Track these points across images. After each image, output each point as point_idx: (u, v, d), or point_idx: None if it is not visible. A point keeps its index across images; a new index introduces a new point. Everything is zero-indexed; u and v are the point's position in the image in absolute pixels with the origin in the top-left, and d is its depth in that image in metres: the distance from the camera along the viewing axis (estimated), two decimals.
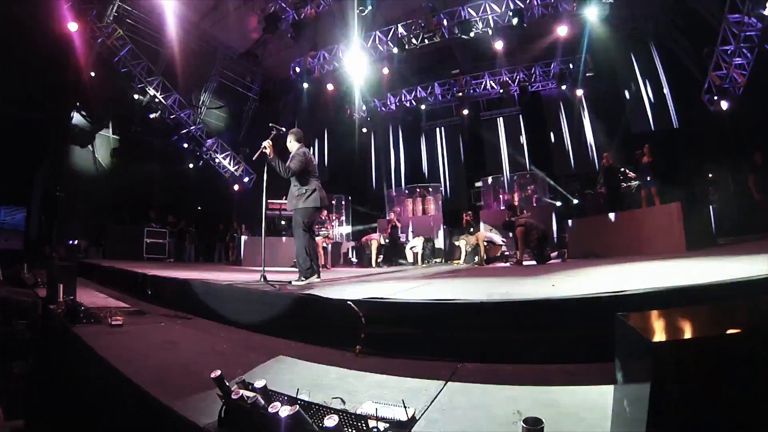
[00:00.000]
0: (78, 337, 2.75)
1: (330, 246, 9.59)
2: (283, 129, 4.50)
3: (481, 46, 12.56)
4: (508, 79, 13.68)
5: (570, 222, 8.37)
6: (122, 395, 1.94)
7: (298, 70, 13.42)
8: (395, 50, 11.82)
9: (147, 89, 11.79)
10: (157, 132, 13.17)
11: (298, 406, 1.24)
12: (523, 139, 14.40)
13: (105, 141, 12.57)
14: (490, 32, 11.38)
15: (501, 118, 14.84)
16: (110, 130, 12.66)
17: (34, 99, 10.33)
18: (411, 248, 10.67)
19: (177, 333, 3.02)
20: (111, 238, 10.80)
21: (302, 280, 4.12)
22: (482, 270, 6.76)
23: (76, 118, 11.76)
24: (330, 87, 13.84)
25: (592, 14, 9.99)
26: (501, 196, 12.73)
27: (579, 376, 1.76)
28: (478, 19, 11.07)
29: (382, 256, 10.05)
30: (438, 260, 10.95)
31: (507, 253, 8.57)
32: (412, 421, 1.37)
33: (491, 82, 14.02)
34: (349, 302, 2.47)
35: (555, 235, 9.99)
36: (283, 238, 9.69)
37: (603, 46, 11.99)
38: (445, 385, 1.75)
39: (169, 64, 12.50)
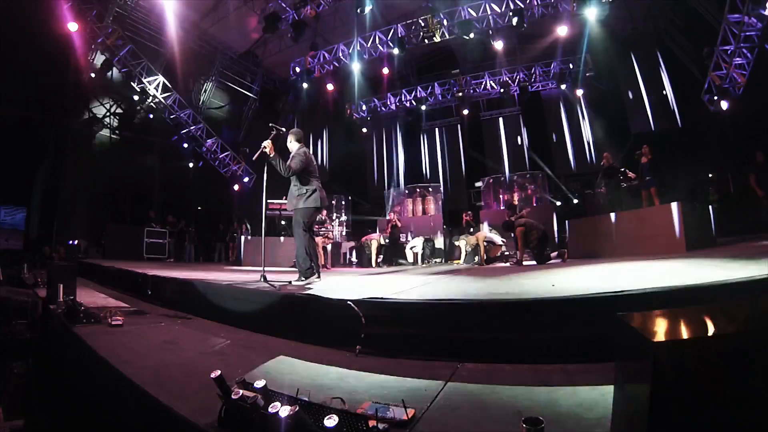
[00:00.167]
0: (78, 337, 2.75)
1: (330, 246, 9.58)
2: (283, 129, 4.50)
3: (481, 46, 12.56)
4: (508, 79, 13.69)
5: (569, 222, 8.37)
6: (122, 395, 1.94)
7: (298, 70, 13.43)
8: (395, 50, 11.83)
9: (147, 89, 11.78)
10: (157, 132, 13.16)
11: (298, 406, 1.24)
12: (523, 139, 14.40)
13: (105, 141, 12.56)
14: (490, 32, 11.38)
15: (501, 118, 14.84)
16: (110, 130, 12.65)
17: (34, 99, 10.33)
18: (411, 248, 10.66)
19: (177, 333, 3.02)
20: (111, 238, 10.79)
21: (302, 280, 4.12)
22: (482, 270, 6.75)
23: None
24: (330, 87, 13.85)
25: (592, 14, 9.99)
26: (501, 196, 12.73)
27: (579, 376, 1.76)
28: (478, 19, 11.07)
29: (382, 256, 10.05)
30: (438, 260, 10.95)
31: (507, 253, 8.56)
32: (412, 421, 1.37)
33: (491, 82, 14.03)
34: (349, 302, 2.48)
35: (555, 235, 9.98)
36: (281, 238, 9.69)
37: (603, 45, 12.00)
38: (445, 385, 1.75)
39: (169, 64, 12.50)
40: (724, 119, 9.53)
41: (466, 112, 14.87)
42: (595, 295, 2.25)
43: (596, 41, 11.69)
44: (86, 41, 10.38)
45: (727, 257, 3.78)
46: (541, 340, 2.05)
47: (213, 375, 1.43)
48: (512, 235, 7.39)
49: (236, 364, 2.12)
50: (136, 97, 11.93)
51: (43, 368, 3.82)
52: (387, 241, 10.23)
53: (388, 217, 11.78)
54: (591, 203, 10.13)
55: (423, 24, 11.62)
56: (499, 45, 11.91)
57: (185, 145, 13.22)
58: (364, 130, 16.12)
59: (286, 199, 4.55)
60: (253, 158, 4.47)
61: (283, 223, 11.43)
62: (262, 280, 3.95)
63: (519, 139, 14.45)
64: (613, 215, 6.97)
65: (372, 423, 1.26)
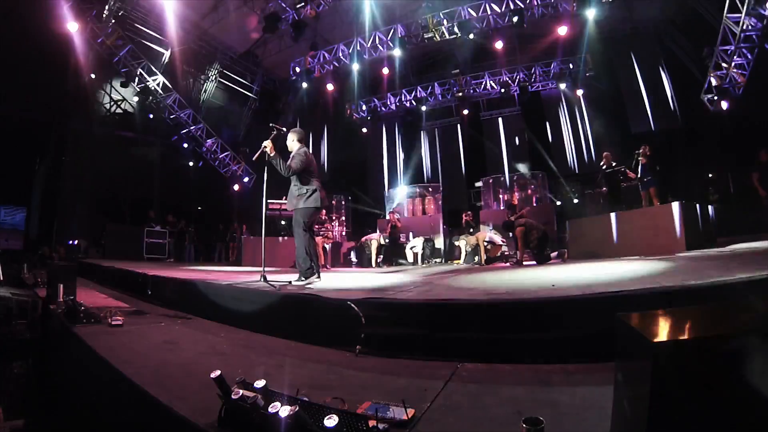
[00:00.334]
0: (78, 337, 2.75)
1: (330, 246, 9.58)
2: (284, 129, 4.50)
3: (481, 46, 12.56)
4: (508, 79, 13.68)
5: (569, 222, 8.37)
6: (122, 395, 1.94)
7: (298, 70, 13.42)
8: (395, 50, 11.82)
9: (147, 89, 11.78)
10: (157, 132, 13.17)
11: (298, 406, 1.24)
12: (523, 139, 14.39)
13: (105, 141, 12.56)
14: (490, 32, 11.38)
15: (501, 118, 14.84)
16: (110, 128, 12.65)
17: (35, 99, 10.33)
18: (411, 248, 10.65)
19: (177, 333, 3.02)
20: (111, 238, 10.80)
21: (302, 280, 4.12)
22: (482, 270, 6.75)
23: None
24: (330, 87, 13.84)
25: (592, 14, 10.00)
26: (501, 196, 12.72)
27: (579, 376, 1.76)
28: (478, 19, 11.07)
29: (382, 256, 10.04)
30: (438, 260, 10.94)
31: (507, 253, 8.56)
32: (412, 421, 1.37)
33: (491, 82, 14.02)
34: (349, 302, 2.48)
35: (555, 235, 9.98)
36: (280, 239, 9.69)
37: (603, 45, 12.00)
38: (445, 385, 1.75)
39: (169, 64, 12.50)
40: (724, 119, 9.53)
41: (466, 112, 14.87)
42: (595, 295, 2.25)
43: (596, 41, 11.69)
44: (86, 41, 10.38)
45: (727, 257, 3.78)
46: (541, 340, 2.05)
47: (213, 375, 1.43)
48: (512, 235, 7.38)
49: (236, 364, 2.12)
50: (136, 98, 11.93)
51: (43, 368, 3.82)
52: (387, 241, 10.23)
53: (388, 218, 11.77)
54: (591, 203, 10.13)
55: (423, 24, 11.62)
56: (499, 45, 11.90)
57: (185, 145, 13.22)
58: (364, 130, 16.12)
59: (286, 199, 4.55)
60: (253, 158, 4.47)
61: (283, 223, 11.43)
62: (262, 280, 3.95)
63: (519, 139, 14.45)
64: (613, 215, 6.97)
65: (372, 423, 1.26)
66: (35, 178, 11.38)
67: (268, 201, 4.74)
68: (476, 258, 8.48)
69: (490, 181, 13.27)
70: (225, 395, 1.39)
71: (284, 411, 1.20)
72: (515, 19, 10.30)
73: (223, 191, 14.22)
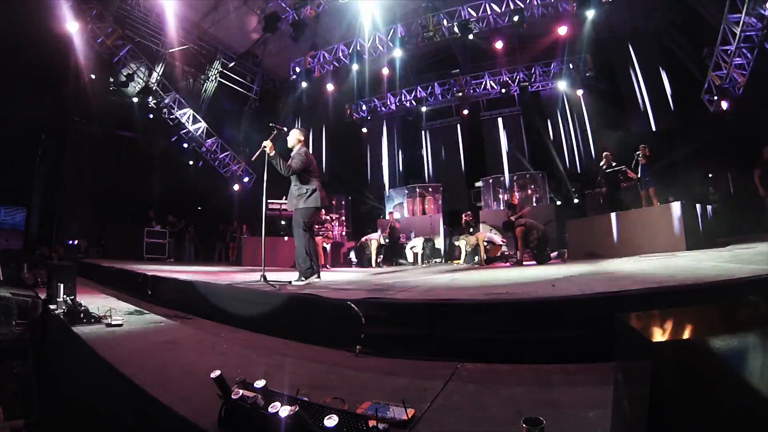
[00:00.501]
0: (78, 337, 2.75)
1: (330, 246, 9.58)
2: (285, 128, 4.50)
3: (481, 46, 12.56)
4: (508, 79, 13.68)
5: (569, 222, 8.37)
6: (122, 395, 1.94)
7: (298, 70, 13.42)
8: (395, 50, 11.82)
9: (147, 89, 11.78)
10: (157, 132, 13.17)
11: (298, 406, 1.24)
12: (523, 139, 14.39)
13: (105, 141, 12.57)
14: (490, 32, 11.38)
15: (501, 118, 14.84)
16: (110, 128, 12.66)
17: (35, 99, 10.33)
18: (411, 248, 10.66)
19: (177, 333, 3.02)
20: (111, 238, 10.80)
21: (302, 280, 4.12)
22: (482, 270, 6.75)
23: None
24: (330, 87, 13.84)
25: (592, 14, 10.00)
26: (501, 196, 12.73)
27: (579, 376, 1.76)
28: (478, 19, 11.07)
29: (382, 256, 10.05)
30: (438, 260, 10.94)
31: (507, 253, 8.56)
32: (412, 420, 1.37)
33: (491, 82, 14.03)
34: (349, 302, 2.48)
35: (555, 235, 9.98)
36: (281, 239, 9.69)
37: (603, 46, 12.00)
38: (445, 385, 1.75)
39: (169, 64, 12.50)
40: (724, 119, 9.53)
41: (466, 112, 14.87)
42: (595, 295, 2.25)
43: (596, 41, 11.68)
44: (86, 41, 10.38)
45: (727, 257, 3.78)
46: (541, 340, 2.05)
47: (213, 375, 1.43)
48: (512, 235, 7.39)
49: (236, 364, 2.12)
50: (135, 99, 11.93)
51: (43, 368, 3.82)
52: (387, 241, 10.23)
53: (388, 218, 11.78)
54: (591, 203, 10.13)
55: (423, 24, 11.62)
56: (499, 45, 11.90)
57: (185, 145, 13.23)
58: (364, 130, 16.12)
59: (286, 199, 4.55)
60: (252, 159, 4.48)
61: (283, 222, 11.44)
62: (262, 280, 3.95)
63: (519, 139, 14.45)
64: (613, 215, 6.97)
65: (372, 423, 1.26)
66: (35, 178, 11.38)
67: (268, 201, 4.75)
68: (476, 258, 8.48)
69: (490, 181, 13.27)
70: (225, 395, 1.39)
71: (284, 411, 1.20)
72: (516, 18, 10.30)
73: (223, 191, 14.22)
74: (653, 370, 0.84)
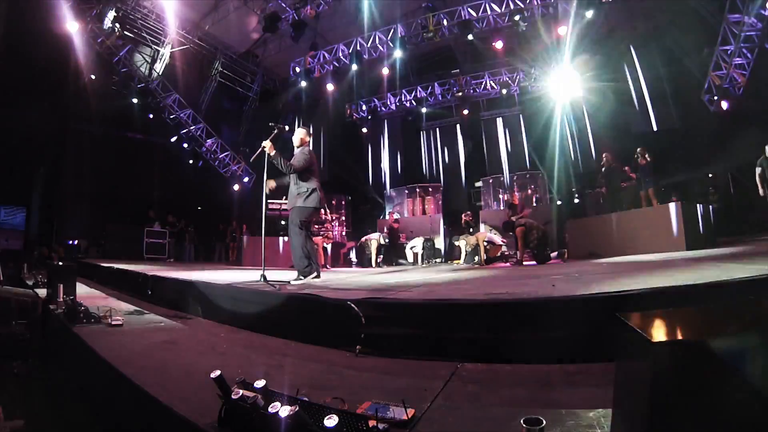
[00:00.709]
0: (78, 337, 2.75)
1: (330, 246, 9.58)
2: (286, 127, 4.51)
3: (481, 46, 12.55)
4: (508, 79, 13.68)
5: (569, 222, 8.38)
6: (122, 395, 1.94)
7: (298, 70, 13.42)
8: (395, 50, 11.82)
9: (147, 89, 11.78)
10: (157, 132, 13.17)
11: (298, 406, 1.24)
12: (523, 139, 14.39)
13: (105, 141, 12.56)
14: (490, 32, 11.38)
15: (501, 118, 14.84)
16: (110, 128, 12.65)
17: (35, 99, 10.33)
18: (411, 248, 10.66)
19: (177, 333, 3.02)
20: (111, 238, 10.80)
21: (300, 279, 4.11)
22: (482, 270, 6.75)
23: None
24: (330, 87, 13.84)
25: (591, 14, 10.00)
26: (501, 196, 12.72)
27: (579, 376, 1.76)
28: (478, 19, 11.07)
29: (382, 256, 10.05)
30: (438, 260, 10.94)
31: (507, 253, 8.56)
32: (412, 420, 1.37)
33: (491, 82, 14.02)
34: (349, 302, 2.48)
35: (555, 235, 9.99)
36: (280, 239, 9.69)
37: (603, 46, 11.99)
38: (445, 385, 1.75)
39: (169, 64, 12.50)
40: (724, 119, 9.53)
41: (466, 112, 14.87)
42: (595, 295, 2.25)
43: (596, 41, 11.67)
44: (86, 41, 10.38)
45: (727, 257, 3.79)
46: (541, 340, 2.05)
47: (213, 375, 1.43)
48: (512, 234, 7.39)
49: (236, 364, 2.12)
50: (135, 99, 11.93)
51: (43, 368, 3.82)
52: (387, 241, 10.23)
53: (387, 218, 11.78)
54: (591, 203, 10.13)
55: (423, 24, 11.62)
56: (499, 45, 11.90)
57: (185, 145, 13.22)
58: (364, 130, 16.12)
59: (286, 198, 4.55)
60: (252, 159, 4.48)
61: (283, 223, 11.45)
62: (262, 280, 3.95)
63: (519, 138, 14.44)
64: (613, 215, 6.97)
65: (372, 423, 1.26)
66: (35, 178, 11.38)
67: (268, 201, 4.75)
68: (476, 258, 8.48)
69: (490, 181, 13.27)
70: (225, 395, 1.39)
71: (284, 411, 1.20)
72: (516, 17, 10.30)
73: (223, 191, 14.22)
74: (653, 370, 0.84)
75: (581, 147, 13.35)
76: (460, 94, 14.17)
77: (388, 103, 15.40)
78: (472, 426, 1.38)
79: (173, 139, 13.14)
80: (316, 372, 2.05)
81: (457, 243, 9.42)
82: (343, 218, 13.40)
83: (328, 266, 8.79)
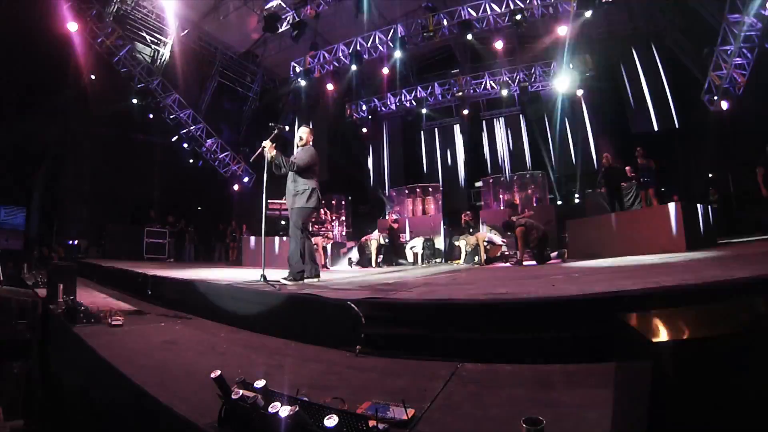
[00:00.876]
0: (78, 337, 2.75)
1: (330, 246, 9.58)
2: (287, 127, 4.51)
3: (481, 46, 12.56)
4: (508, 79, 13.68)
5: (569, 222, 8.38)
6: (122, 395, 1.94)
7: (298, 70, 13.42)
8: (395, 50, 11.82)
9: (147, 89, 11.78)
10: (157, 132, 13.17)
11: (298, 406, 1.24)
12: (523, 138, 14.40)
13: (105, 141, 12.56)
14: (490, 32, 11.38)
15: (501, 118, 14.84)
16: (110, 128, 12.65)
17: (34, 99, 10.34)
18: (411, 248, 10.66)
19: (177, 333, 3.02)
20: (111, 238, 10.80)
21: (289, 279, 4.09)
22: (482, 270, 6.76)
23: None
24: (330, 87, 13.85)
25: (591, 14, 10.00)
26: (501, 196, 12.73)
27: (579, 376, 1.76)
28: (478, 19, 11.07)
29: (382, 256, 10.05)
30: (438, 260, 10.95)
31: (507, 253, 8.57)
32: (412, 420, 1.37)
33: (491, 82, 14.02)
34: (349, 302, 2.47)
35: (555, 235, 9.99)
36: (280, 239, 9.68)
37: (603, 45, 11.99)
38: (445, 385, 1.75)
39: (169, 64, 12.50)
40: (724, 119, 9.54)
41: (466, 112, 14.87)
42: (595, 295, 2.25)
43: (596, 41, 11.68)
44: (86, 41, 10.38)
45: (727, 257, 3.78)
46: (541, 340, 2.05)
47: (213, 375, 1.43)
48: (512, 234, 7.39)
49: (236, 364, 2.12)
50: (135, 100, 11.92)
51: (43, 368, 3.82)
52: (387, 241, 10.24)
53: (387, 218, 11.79)
54: (591, 203, 10.14)
55: (423, 24, 11.62)
56: (499, 45, 11.90)
57: (185, 145, 13.22)
58: (364, 130, 16.13)
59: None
60: (252, 159, 4.47)
61: (283, 223, 11.44)
62: (262, 280, 3.95)
63: (519, 138, 14.45)
64: (613, 215, 6.97)
65: (372, 423, 1.26)
66: (35, 178, 11.38)
67: (268, 201, 4.74)
68: (476, 258, 8.48)
69: (490, 181, 13.27)
70: (225, 395, 1.40)
71: (284, 411, 1.20)
72: (518, 17, 10.30)
73: (223, 191, 14.22)
74: (653, 370, 0.84)
75: (581, 147, 13.35)
76: (460, 94, 14.16)
77: (388, 103, 15.40)
78: (472, 426, 1.38)
79: (173, 139, 13.14)
80: (316, 372, 2.05)
81: (457, 243, 9.43)
82: (343, 218, 13.41)
83: (328, 266, 8.78)
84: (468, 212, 10.67)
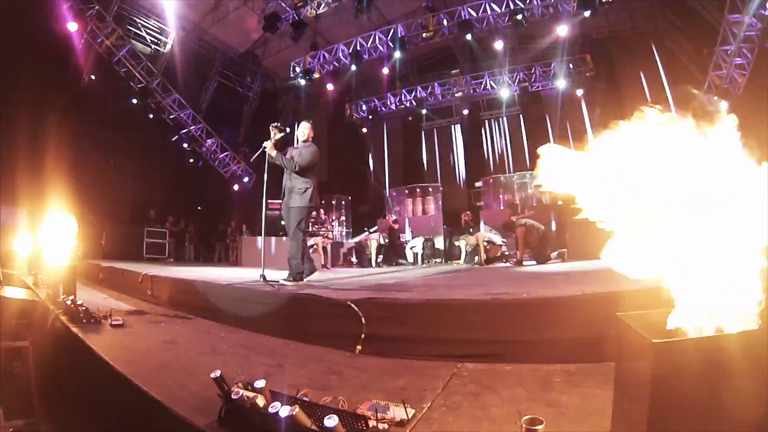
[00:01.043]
0: (78, 337, 2.75)
1: (330, 246, 9.58)
2: (287, 129, 4.50)
3: (481, 46, 12.56)
4: (508, 79, 13.67)
5: (569, 222, 8.38)
6: (122, 395, 1.94)
7: (298, 70, 13.42)
8: (395, 50, 11.82)
9: (147, 89, 11.78)
10: (157, 132, 13.16)
11: (298, 406, 1.24)
12: (523, 138, 14.39)
13: (105, 141, 12.56)
14: (490, 32, 11.38)
15: (501, 118, 14.84)
16: (110, 129, 12.65)
17: (34, 99, 10.32)
18: (411, 248, 10.66)
19: (177, 333, 3.02)
20: (111, 238, 10.80)
21: (290, 280, 4.09)
22: (482, 270, 6.76)
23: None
24: (330, 87, 13.84)
25: (590, 14, 10.00)
26: (501, 196, 12.72)
27: (579, 376, 1.76)
28: (477, 19, 11.07)
29: (382, 256, 10.05)
30: (438, 260, 10.95)
31: (507, 253, 8.57)
32: (412, 420, 1.37)
33: (491, 82, 14.01)
34: (349, 302, 2.48)
35: (555, 235, 9.98)
36: (277, 239, 9.68)
37: (603, 45, 11.99)
38: (445, 385, 1.75)
39: (169, 64, 12.50)
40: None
41: (466, 112, 14.87)
42: (595, 294, 2.25)
43: (596, 41, 11.67)
44: (86, 41, 10.38)
45: None
46: (541, 340, 2.05)
47: (213, 375, 1.43)
48: (513, 235, 7.39)
49: (236, 364, 2.12)
50: (135, 100, 11.92)
51: (43, 368, 3.82)
52: (386, 241, 10.24)
53: (387, 218, 11.79)
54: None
55: (423, 24, 11.63)
56: (499, 45, 11.90)
57: (185, 145, 13.22)
58: (364, 130, 16.12)
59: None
60: (251, 159, 4.47)
61: (283, 223, 11.44)
62: (261, 280, 3.95)
63: (519, 138, 14.45)
64: None
65: (372, 423, 1.26)
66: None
67: (268, 201, 4.75)
68: (476, 258, 8.48)
69: (490, 181, 13.27)
70: (225, 395, 1.40)
71: (284, 411, 1.20)
72: (518, 17, 10.30)
73: (223, 191, 14.21)
74: (653, 370, 0.84)
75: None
76: (460, 94, 14.16)
77: (388, 103, 15.39)
78: (472, 426, 1.38)
79: (173, 139, 13.13)
80: (316, 372, 2.05)
81: (457, 243, 9.43)
82: (343, 218, 13.40)
83: (328, 266, 8.78)
84: (468, 212, 10.67)
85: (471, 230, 9.57)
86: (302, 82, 13.32)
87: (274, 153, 4.18)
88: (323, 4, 11.04)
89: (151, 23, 12.05)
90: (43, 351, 3.96)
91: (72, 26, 9.75)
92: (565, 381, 1.74)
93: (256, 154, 4.23)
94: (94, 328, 3.00)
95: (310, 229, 9.03)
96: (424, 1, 11.46)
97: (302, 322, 2.79)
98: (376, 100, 15.44)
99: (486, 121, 15.11)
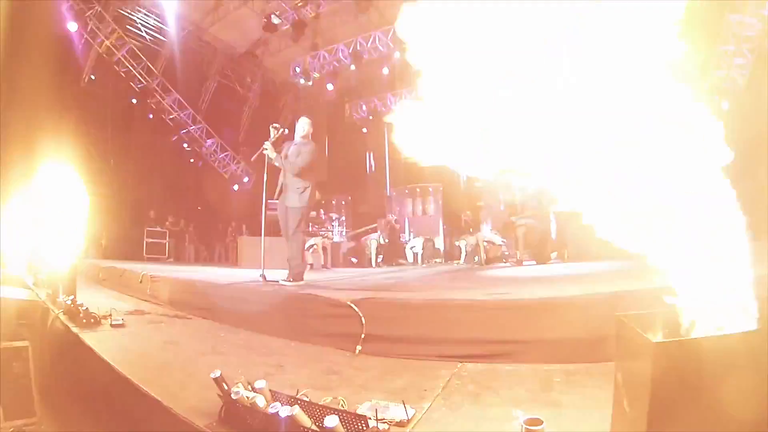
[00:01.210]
0: (78, 337, 2.75)
1: (330, 246, 9.57)
2: (286, 130, 4.49)
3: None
4: None
5: (569, 222, 8.36)
6: (122, 395, 1.94)
7: (298, 70, 13.41)
8: (395, 50, 11.81)
9: (146, 89, 11.78)
10: (157, 132, 13.16)
11: (298, 406, 1.24)
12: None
13: (104, 141, 12.56)
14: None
15: None
16: (110, 129, 12.64)
17: (33, 99, 10.31)
18: (411, 248, 10.66)
19: (177, 333, 3.02)
20: (111, 238, 10.80)
21: (290, 281, 4.09)
22: (482, 270, 6.76)
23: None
24: (330, 87, 13.83)
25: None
26: (501, 196, 12.70)
27: (579, 376, 1.76)
28: None
29: (381, 256, 10.05)
30: (438, 260, 10.95)
31: (507, 253, 8.56)
32: (412, 420, 1.37)
33: None
34: (349, 302, 2.48)
35: (555, 235, 9.97)
36: (276, 239, 9.67)
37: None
38: (445, 385, 1.75)
39: (169, 63, 12.49)
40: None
41: None
42: (595, 295, 2.25)
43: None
44: (86, 41, 10.38)
45: None
46: (541, 340, 2.05)
47: (213, 375, 1.43)
48: (513, 234, 7.39)
49: (236, 364, 2.12)
50: (135, 100, 11.92)
51: (43, 368, 3.82)
52: (386, 241, 10.24)
53: (387, 218, 11.78)
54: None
55: None
56: None
57: (185, 145, 13.22)
58: (364, 130, 16.10)
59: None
60: (251, 159, 4.47)
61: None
62: (261, 280, 3.95)
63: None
64: None
65: (372, 423, 1.26)
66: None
67: (268, 201, 4.74)
68: (476, 258, 8.48)
69: (491, 180, 13.25)
70: (225, 395, 1.40)
71: (284, 411, 1.21)
72: None
73: (223, 191, 14.20)
74: (653, 370, 0.84)
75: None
76: None
77: (388, 103, 15.38)
78: (472, 426, 1.38)
79: (173, 139, 13.13)
80: (316, 372, 2.05)
81: (457, 243, 9.43)
82: (343, 218, 13.40)
83: (328, 266, 8.78)
84: (467, 212, 10.67)
85: (471, 230, 9.57)
86: (302, 82, 13.31)
87: (273, 155, 4.18)
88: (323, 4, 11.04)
89: (151, 23, 12.05)
90: (43, 351, 3.95)
91: (72, 26, 9.76)
92: (565, 381, 1.74)
93: (256, 155, 4.23)
94: (94, 328, 3.00)
95: (310, 229, 9.02)
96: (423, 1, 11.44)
97: (302, 322, 2.79)
98: (376, 100, 15.42)
99: None
